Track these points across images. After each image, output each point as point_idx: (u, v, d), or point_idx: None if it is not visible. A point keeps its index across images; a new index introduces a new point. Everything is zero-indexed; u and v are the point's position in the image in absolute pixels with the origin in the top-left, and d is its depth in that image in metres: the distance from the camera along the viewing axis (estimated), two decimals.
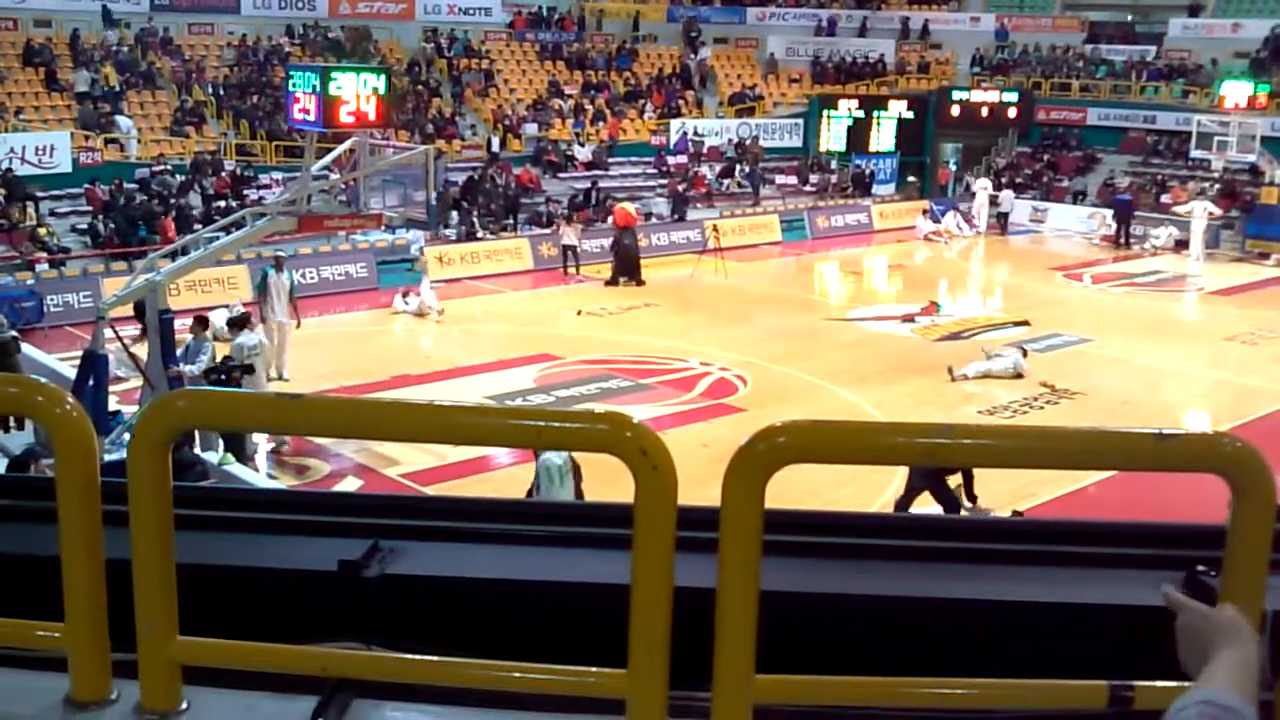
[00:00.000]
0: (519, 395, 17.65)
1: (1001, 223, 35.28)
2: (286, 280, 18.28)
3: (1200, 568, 2.18)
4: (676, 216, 32.45)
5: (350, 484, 13.55)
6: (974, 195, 35.76)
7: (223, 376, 13.26)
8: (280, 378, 17.67)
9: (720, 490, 1.80)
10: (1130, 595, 2.14)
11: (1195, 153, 35.21)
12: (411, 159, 17.46)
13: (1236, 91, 34.68)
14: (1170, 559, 2.25)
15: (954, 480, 11.99)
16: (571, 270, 27.57)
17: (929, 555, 2.25)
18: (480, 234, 28.67)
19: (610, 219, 28.70)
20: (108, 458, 10.03)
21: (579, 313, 23.67)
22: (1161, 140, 38.30)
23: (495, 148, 33.39)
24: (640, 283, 26.46)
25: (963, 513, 12.21)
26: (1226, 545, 1.84)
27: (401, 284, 24.47)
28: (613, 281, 26.54)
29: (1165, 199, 35.21)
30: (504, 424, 1.92)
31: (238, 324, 15.52)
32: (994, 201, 35.44)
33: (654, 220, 32.03)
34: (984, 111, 39.60)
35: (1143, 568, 2.25)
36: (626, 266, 26.68)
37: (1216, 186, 35.26)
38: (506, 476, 13.84)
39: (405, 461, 14.31)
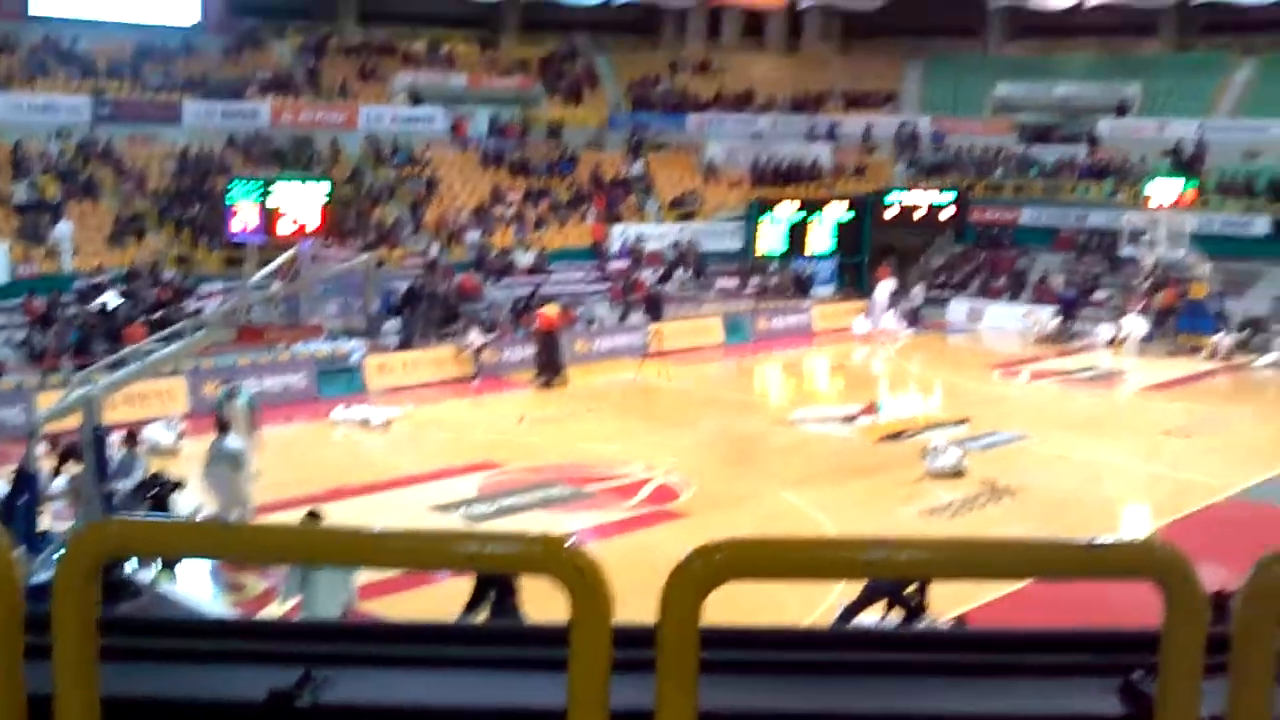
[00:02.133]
0: (463, 504, 17.53)
1: (911, 317, 35.73)
2: (243, 405, 17.82)
3: (1136, 674, 2.18)
4: (652, 317, 32.73)
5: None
6: (900, 295, 36.38)
7: (154, 493, 13.06)
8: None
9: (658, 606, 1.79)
10: (1068, 705, 2.14)
11: (1126, 250, 35.98)
12: (353, 268, 17.48)
13: (1164, 189, 35.60)
14: (1106, 666, 2.25)
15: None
16: (478, 374, 27.48)
17: (867, 669, 2.24)
18: (420, 342, 28.60)
19: (535, 322, 28.67)
20: (37, 579, 9.84)
21: (521, 419, 23.62)
22: (1093, 238, 39.11)
23: (435, 255, 33.47)
24: (563, 384, 26.44)
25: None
26: (1160, 651, 1.85)
27: (342, 394, 24.33)
28: (545, 384, 26.58)
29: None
30: (436, 548, 1.90)
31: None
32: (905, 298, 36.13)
33: (595, 326, 32.18)
34: (920, 213, 40.29)
35: (1079, 675, 2.25)
36: (553, 368, 26.75)
37: (1149, 283, 36.01)
38: (450, 587, 13.65)
39: None
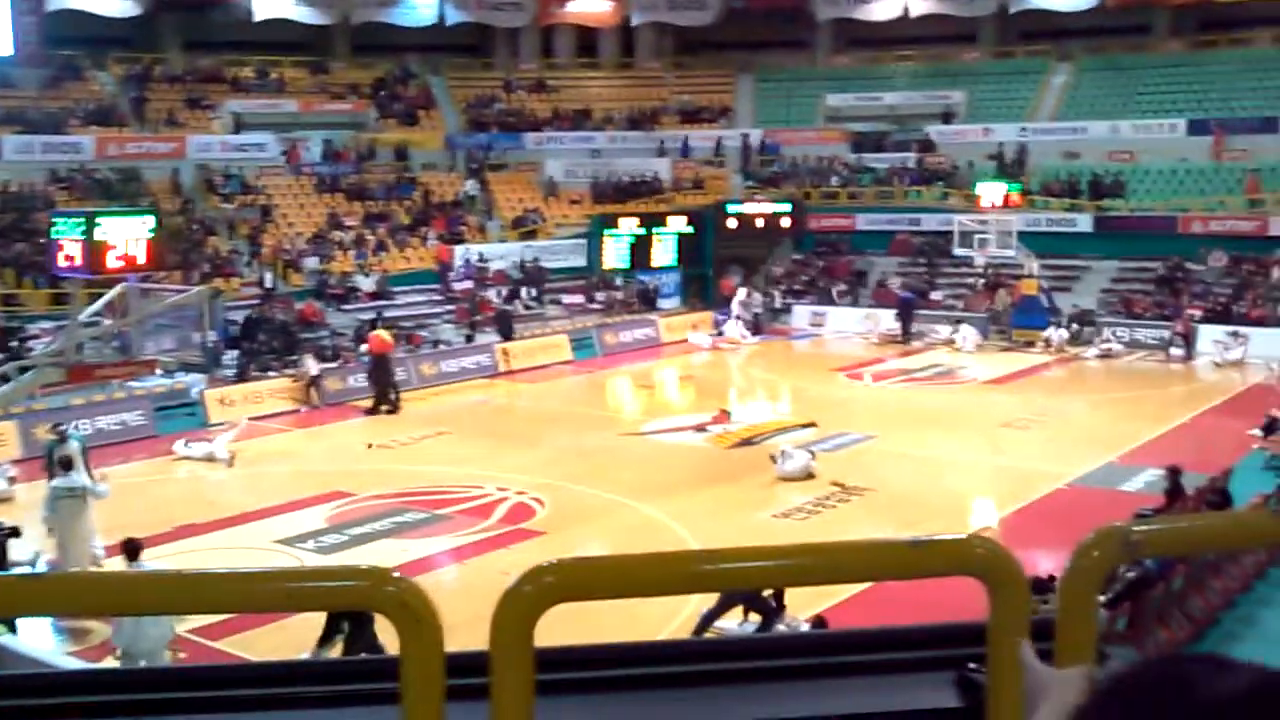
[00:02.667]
0: (311, 536, 17.17)
1: (754, 324, 36.31)
2: (75, 445, 16.96)
3: (971, 665, 2.22)
4: (502, 336, 32.55)
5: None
6: (749, 304, 36.89)
7: None
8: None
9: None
10: (909, 700, 2.17)
11: (958, 251, 37.03)
12: (187, 300, 17.03)
13: (991, 191, 36.77)
14: (943, 660, 2.29)
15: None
16: (315, 404, 27.00)
17: (707, 679, 2.24)
18: (259, 373, 27.97)
19: (365, 346, 28.27)
20: None
21: (369, 446, 23.26)
22: (927, 241, 40.17)
23: (269, 284, 32.69)
24: (395, 410, 26.09)
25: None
26: (988, 642, 1.89)
27: (183, 430, 23.67)
28: (373, 410, 26.14)
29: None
30: (253, 589, 1.84)
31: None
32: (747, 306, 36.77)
33: (442, 347, 31.91)
34: (759, 223, 40.90)
35: (918, 671, 2.28)
36: (380, 393, 26.38)
37: (982, 282, 37.14)
38: (302, 621, 13.36)
39: (191, 617, 13.69)
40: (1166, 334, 32.82)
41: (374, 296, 34.30)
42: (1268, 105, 40.20)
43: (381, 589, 1.76)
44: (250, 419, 25.41)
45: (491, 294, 35.90)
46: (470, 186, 41.46)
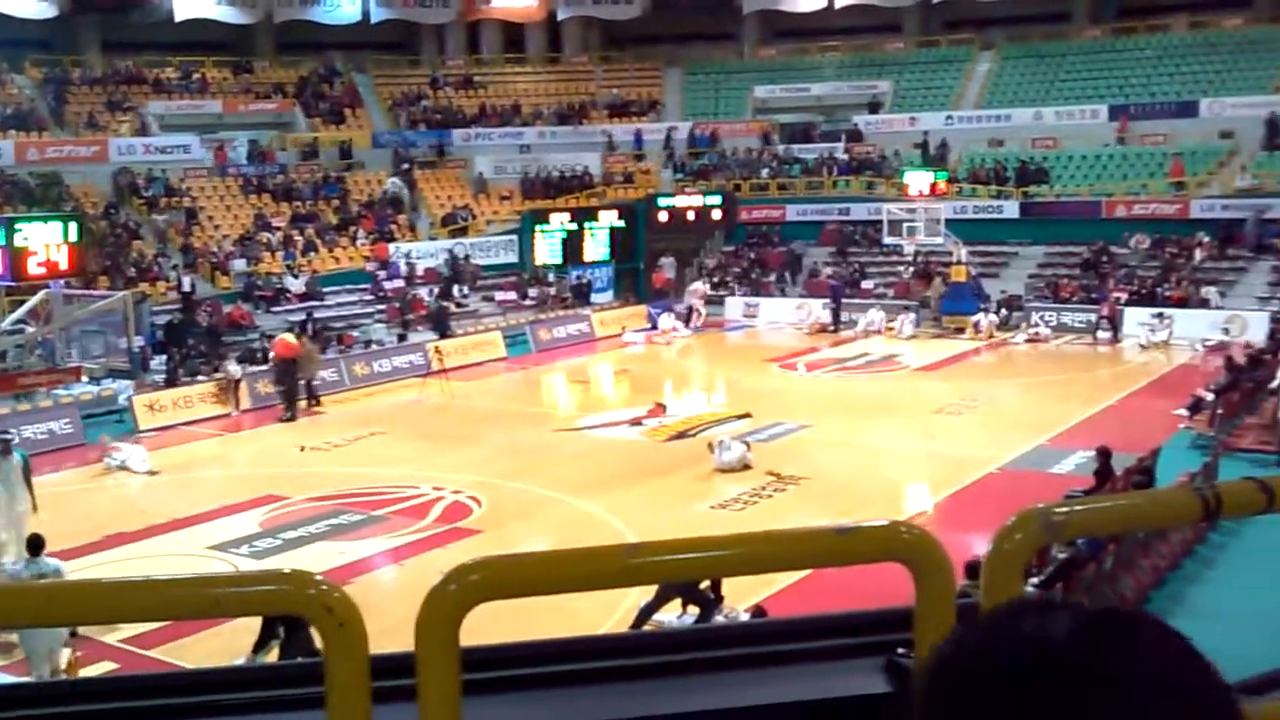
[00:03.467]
0: (245, 541, 16.99)
1: (687, 315, 36.51)
2: (17, 460, 16.62)
3: (900, 651, 2.23)
4: (439, 334, 32.36)
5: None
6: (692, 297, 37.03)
7: None
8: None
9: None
10: (841, 687, 2.18)
11: (888, 240, 37.35)
12: (111, 306, 16.78)
13: (918, 180, 37.14)
14: (873, 645, 2.30)
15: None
16: (239, 408, 26.65)
17: (638, 673, 2.24)
18: (188, 378, 27.59)
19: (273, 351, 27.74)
20: None
21: (302, 449, 23.04)
22: (857, 230, 40.45)
23: (187, 287, 32.04)
24: (293, 418, 25.72)
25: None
26: (915, 628, 1.90)
27: (112, 437, 23.30)
28: (288, 417, 25.81)
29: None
30: (177, 596, 1.81)
31: None
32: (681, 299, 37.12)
33: (374, 347, 31.69)
34: (691, 215, 41.02)
35: (849, 657, 2.29)
36: (285, 397, 26.08)
37: (912, 270, 37.47)
38: (239, 627, 13.22)
39: (123, 625, 13.48)
40: (1093, 317, 33.30)
41: (303, 297, 33.97)
42: (1186, 90, 40.91)
43: (304, 593, 1.74)
44: (180, 425, 25.10)
45: (423, 292, 35.69)
46: (391, 185, 41.09)
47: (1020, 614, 1.02)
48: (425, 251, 38.32)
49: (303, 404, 26.35)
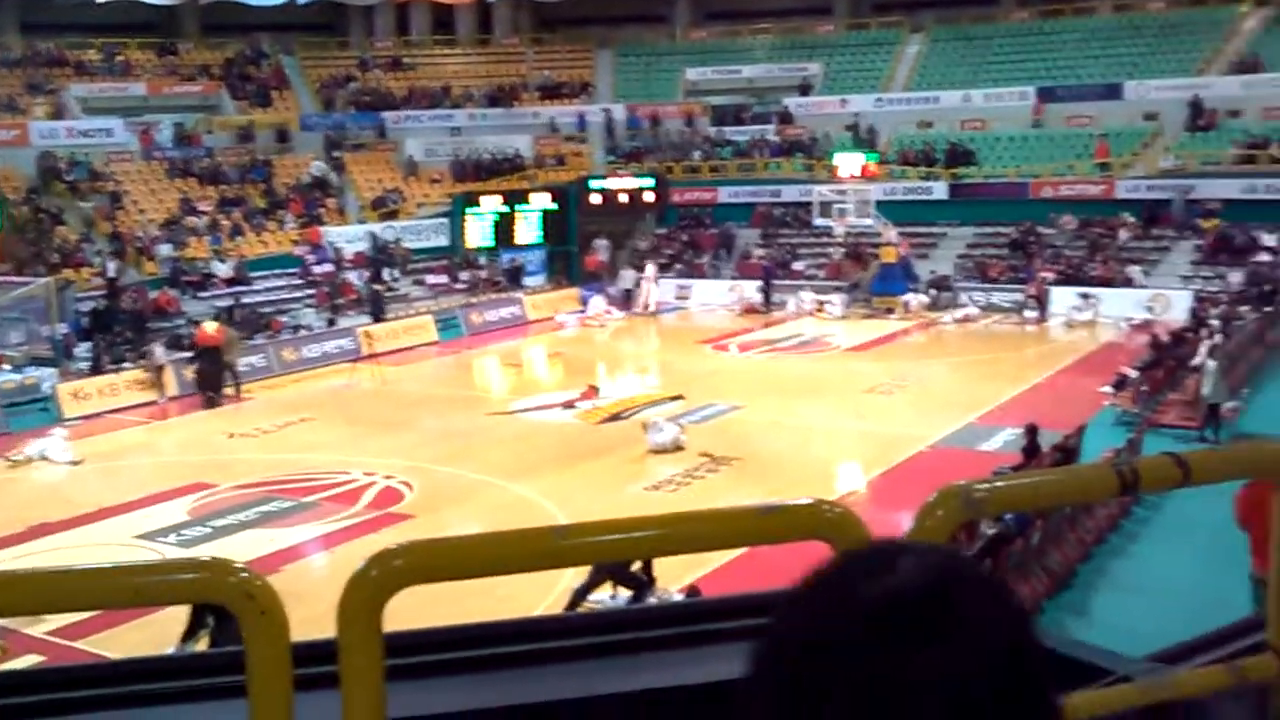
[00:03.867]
0: (173, 530, 16.78)
1: (626, 299, 36.63)
2: None
3: None
4: (374, 318, 32.16)
5: None
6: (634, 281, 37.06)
7: None
8: None
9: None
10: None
11: (818, 221, 37.55)
12: (33, 292, 16.47)
13: (849, 162, 37.36)
14: None
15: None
16: (163, 395, 26.26)
17: (564, 655, 2.24)
18: (113, 365, 27.13)
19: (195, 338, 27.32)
20: None
21: (231, 435, 22.79)
22: (788, 212, 40.61)
23: (112, 273, 31.43)
24: (218, 403, 25.48)
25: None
26: None
27: (36, 426, 22.93)
28: (209, 404, 25.53)
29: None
30: (97, 585, 1.78)
31: None
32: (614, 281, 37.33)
33: (303, 332, 31.37)
34: (623, 198, 40.98)
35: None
36: (208, 385, 25.77)
37: (843, 251, 37.70)
38: (169, 615, 13.06)
39: (50, 617, 13.27)
40: (1021, 297, 33.72)
41: (231, 282, 33.54)
42: (1111, 72, 41.44)
43: (224, 580, 1.71)
44: (106, 412, 24.73)
45: (352, 276, 35.38)
46: (316, 168, 40.66)
47: (868, 559, 1.05)
48: (354, 235, 37.96)
49: (230, 390, 26.05)
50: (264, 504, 17.89)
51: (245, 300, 32.10)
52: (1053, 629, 11.75)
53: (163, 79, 43.15)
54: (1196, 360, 21.59)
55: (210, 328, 26.42)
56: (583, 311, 35.73)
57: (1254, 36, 40.84)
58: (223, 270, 33.86)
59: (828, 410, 23.22)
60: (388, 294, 34.92)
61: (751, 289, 36.44)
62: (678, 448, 19.88)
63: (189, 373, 26.68)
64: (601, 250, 40.24)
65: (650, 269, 37.35)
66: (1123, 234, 35.78)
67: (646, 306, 36.24)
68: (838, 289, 35.46)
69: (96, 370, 26.86)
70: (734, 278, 38.22)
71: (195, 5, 45.76)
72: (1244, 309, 28.50)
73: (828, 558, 1.08)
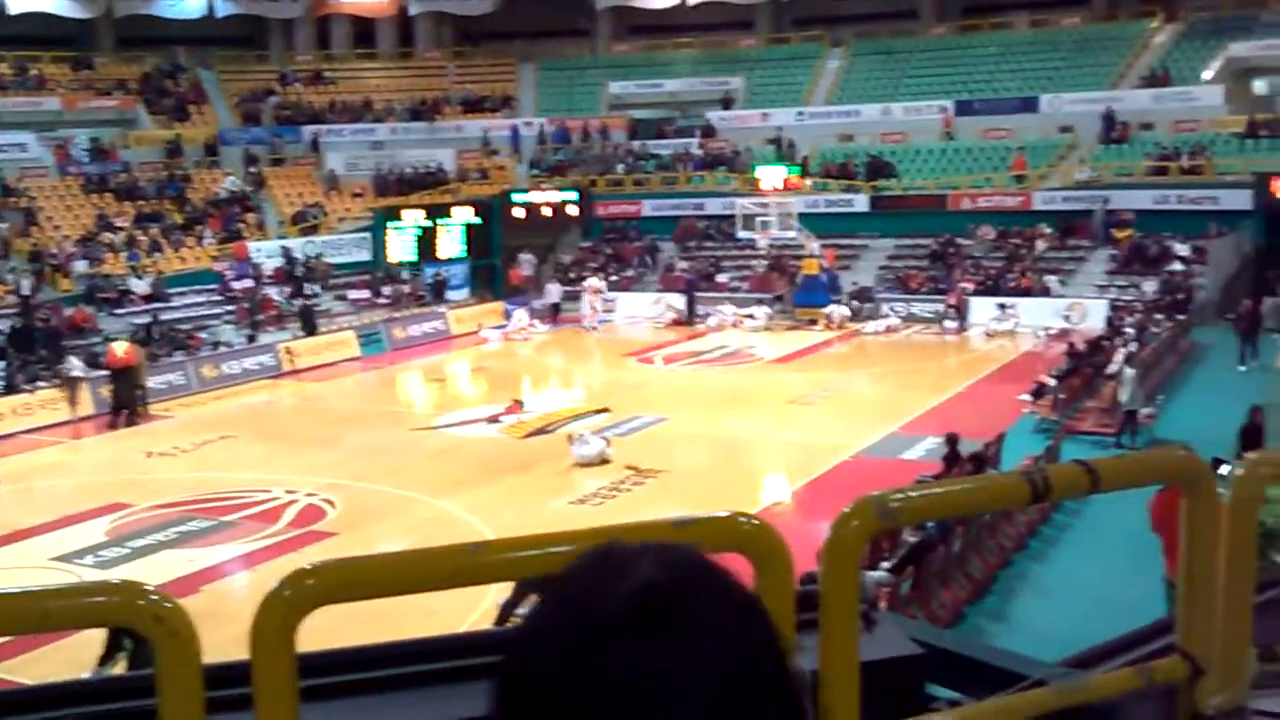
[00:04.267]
0: (89, 551, 16.45)
1: (552, 313, 36.55)
2: None
3: None
4: (306, 332, 31.95)
5: None
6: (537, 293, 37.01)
7: None
8: None
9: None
10: None
11: (742, 234, 37.76)
12: None
13: (771, 175, 37.63)
14: None
15: None
16: (72, 413, 25.78)
17: (473, 673, 2.23)
18: (26, 384, 26.56)
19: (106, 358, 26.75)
20: None
21: (149, 454, 22.41)
22: (711, 225, 40.79)
23: (25, 291, 30.86)
24: (133, 422, 25.08)
25: None
26: None
27: None
28: (120, 423, 25.11)
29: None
30: (6, 609, 1.75)
31: None
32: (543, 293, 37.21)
33: (223, 349, 30.94)
34: (547, 211, 40.92)
35: None
36: (124, 405, 25.38)
37: (766, 263, 37.93)
38: (88, 638, 12.81)
39: None
40: (941, 307, 34.14)
41: (149, 299, 33.00)
42: (1027, 86, 42.15)
43: (133, 603, 1.69)
44: (20, 433, 24.22)
45: (272, 291, 34.97)
46: (230, 183, 40.19)
47: (608, 562, 1.09)
48: (273, 250, 37.53)
49: (142, 409, 25.61)
50: (183, 524, 17.61)
51: (163, 317, 31.59)
52: (973, 635, 11.90)
53: (78, 93, 42.44)
54: (1112, 368, 21.99)
55: (120, 349, 25.86)
56: (506, 326, 35.60)
57: (1163, 51, 41.77)
58: (140, 287, 33.32)
59: (752, 421, 23.33)
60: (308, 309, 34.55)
61: (676, 301, 36.55)
62: (603, 461, 19.87)
63: (105, 392, 26.18)
64: (526, 264, 40.16)
65: (595, 282, 37.20)
66: (1040, 244, 36.37)
67: (589, 319, 36.06)
68: (760, 301, 35.67)
69: (10, 389, 26.29)
70: (659, 290, 38.29)
71: (111, 18, 45.11)
72: (1158, 317, 29.10)
73: (572, 561, 1.11)
